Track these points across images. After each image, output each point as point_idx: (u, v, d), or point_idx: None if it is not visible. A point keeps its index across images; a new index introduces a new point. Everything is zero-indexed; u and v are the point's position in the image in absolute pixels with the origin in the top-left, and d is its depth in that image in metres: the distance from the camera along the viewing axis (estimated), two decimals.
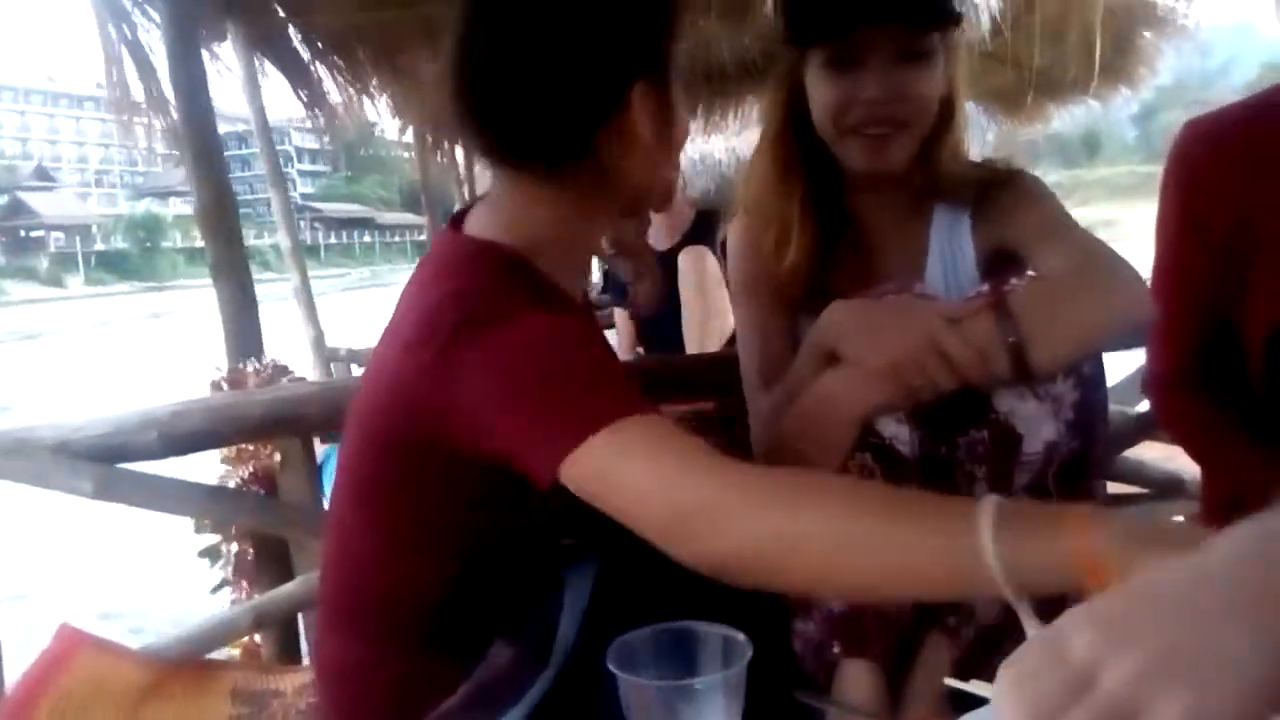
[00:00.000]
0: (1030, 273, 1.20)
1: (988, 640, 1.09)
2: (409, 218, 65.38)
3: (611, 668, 0.77)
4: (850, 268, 1.32)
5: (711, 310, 3.13)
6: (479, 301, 0.94)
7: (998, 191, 1.29)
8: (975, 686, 0.92)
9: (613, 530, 0.86)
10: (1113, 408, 1.35)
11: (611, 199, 1.05)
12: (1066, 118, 6.03)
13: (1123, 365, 1.91)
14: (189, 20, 2.68)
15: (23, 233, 65.80)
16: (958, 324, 1.04)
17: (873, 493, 0.88)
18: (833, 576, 0.79)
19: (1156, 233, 1.40)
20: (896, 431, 1.10)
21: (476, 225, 1.05)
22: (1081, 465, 1.13)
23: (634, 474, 0.84)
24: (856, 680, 1.07)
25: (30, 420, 1.71)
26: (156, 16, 3.11)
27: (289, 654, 1.96)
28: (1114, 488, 2.07)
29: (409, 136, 5.87)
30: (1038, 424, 1.08)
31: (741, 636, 0.79)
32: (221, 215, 2.41)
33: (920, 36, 1.21)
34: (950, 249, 1.32)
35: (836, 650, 1.08)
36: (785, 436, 1.15)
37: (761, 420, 1.28)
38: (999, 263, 1.27)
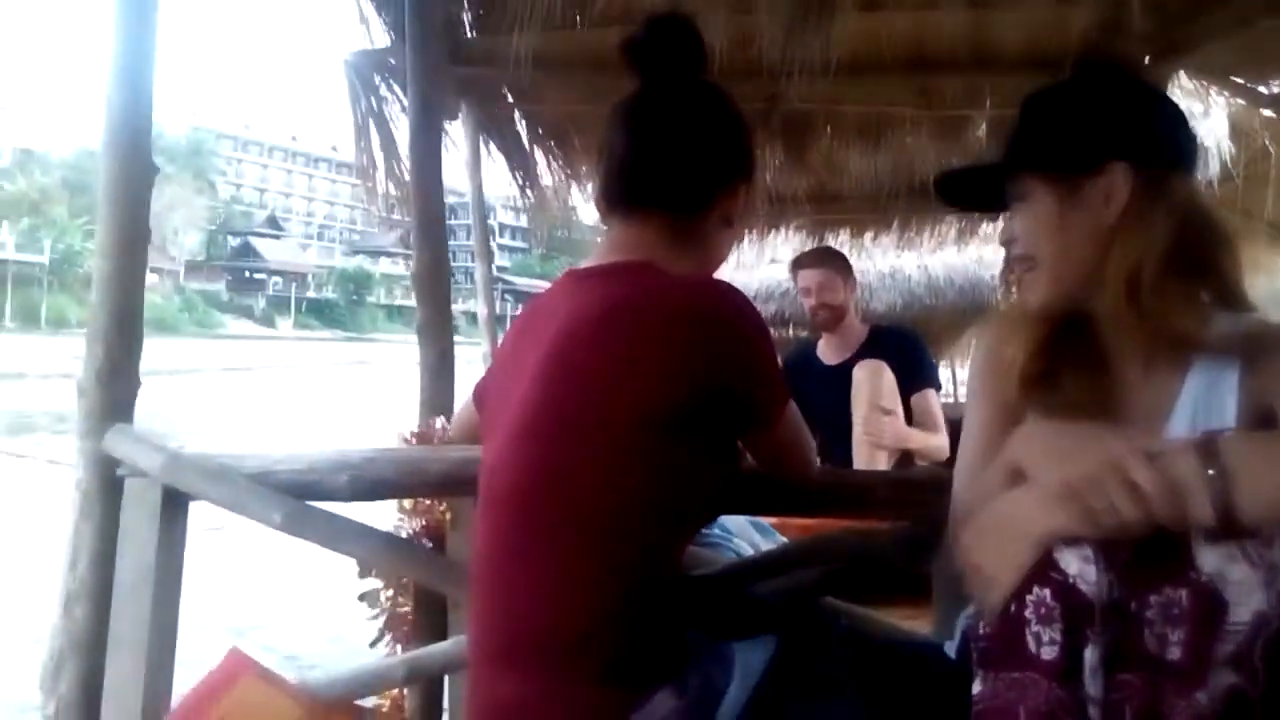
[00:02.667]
0: None
1: None
2: None
3: None
4: (1089, 403, 1.26)
5: (884, 425, 3.06)
6: None
7: (1274, 347, 1.19)
8: None
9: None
10: None
11: (706, 253, 1.39)
12: None
13: None
14: (431, 98, 2.86)
15: (247, 274, 71.93)
16: (1155, 457, 0.96)
17: None
18: None
19: None
20: (1082, 570, 0.99)
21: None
22: None
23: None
24: None
25: (233, 449, 1.82)
26: (400, 92, 3.40)
27: (431, 712, 1.98)
28: None
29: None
30: (1247, 591, 0.94)
31: None
32: (436, 280, 2.52)
33: (1017, 179, 1.27)
34: (1208, 403, 1.22)
35: None
36: (963, 550, 1.10)
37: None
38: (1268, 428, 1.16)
